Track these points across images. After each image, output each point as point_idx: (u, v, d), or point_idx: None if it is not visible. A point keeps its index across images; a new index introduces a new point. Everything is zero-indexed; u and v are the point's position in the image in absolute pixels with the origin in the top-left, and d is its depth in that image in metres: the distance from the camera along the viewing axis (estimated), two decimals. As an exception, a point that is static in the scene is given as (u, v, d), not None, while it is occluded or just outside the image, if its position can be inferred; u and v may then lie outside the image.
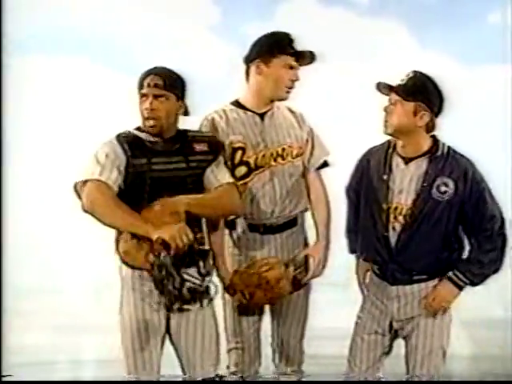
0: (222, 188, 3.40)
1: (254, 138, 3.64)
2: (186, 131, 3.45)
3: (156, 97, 3.33)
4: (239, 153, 3.63)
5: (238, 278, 3.57)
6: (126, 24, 4.69)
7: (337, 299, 3.92)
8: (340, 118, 4.45)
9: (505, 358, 4.50)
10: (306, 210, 3.76)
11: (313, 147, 3.74)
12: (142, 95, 3.35)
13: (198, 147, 3.41)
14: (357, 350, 3.65)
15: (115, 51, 4.58)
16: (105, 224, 3.27)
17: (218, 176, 3.41)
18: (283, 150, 3.67)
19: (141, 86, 3.36)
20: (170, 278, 3.23)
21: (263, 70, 3.61)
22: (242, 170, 3.63)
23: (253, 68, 3.63)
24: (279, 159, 3.65)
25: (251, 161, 3.63)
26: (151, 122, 3.34)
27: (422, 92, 3.50)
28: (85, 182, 3.28)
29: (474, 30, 4.71)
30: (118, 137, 3.36)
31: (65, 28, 4.68)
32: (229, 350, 3.70)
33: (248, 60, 3.66)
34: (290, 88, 3.63)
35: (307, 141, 3.73)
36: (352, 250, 3.78)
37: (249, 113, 3.66)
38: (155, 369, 3.39)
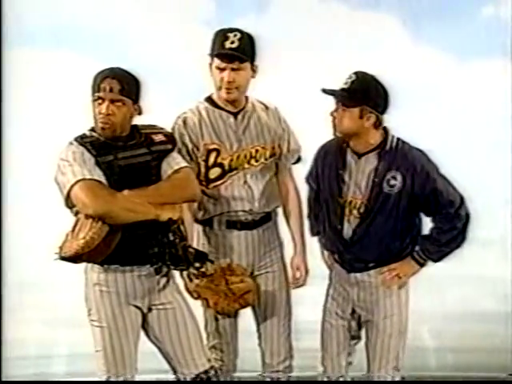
0: (177, 174, 3.39)
1: (228, 139, 3.61)
2: (137, 126, 3.41)
3: (112, 101, 3.27)
4: (213, 154, 3.60)
5: (206, 285, 3.53)
6: (119, 18, 4.69)
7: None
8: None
9: (497, 351, 4.53)
10: (279, 206, 3.78)
11: (289, 143, 3.74)
12: (98, 98, 3.28)
13: (157, 138, 3.41)
14: (327, 336, 3.75)
15: (106, 45, 4.59)
16: (118, 221, 3.23)
17: (172, 163, 3.40)
18: (256, 151, 3.65)
19: (97, 89, 3.28)
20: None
21: (211, 72, 3.58)
22: (216, 171, 3.61)
23: None
24: (252, 161, 3.64)
25: (226, 163, 3.61)
26: (105, 126, 3.29)
27: (365, 96, 3.53)
28: (73, 185, 3.21)
29: (468, 24, 4.72)
30: (77, 140, 3.32)
31: (59, 22, 4.69)
32: (209, 348, 3.67)
33: None
34: (228, 88, 3.54)
35: (283, 137, 3.71)
36: (313, 233, 3.86)
37: (223, 112, 3.62)
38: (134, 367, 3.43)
